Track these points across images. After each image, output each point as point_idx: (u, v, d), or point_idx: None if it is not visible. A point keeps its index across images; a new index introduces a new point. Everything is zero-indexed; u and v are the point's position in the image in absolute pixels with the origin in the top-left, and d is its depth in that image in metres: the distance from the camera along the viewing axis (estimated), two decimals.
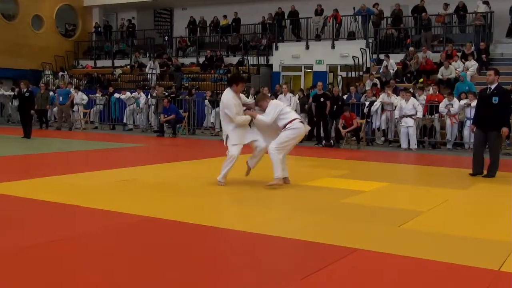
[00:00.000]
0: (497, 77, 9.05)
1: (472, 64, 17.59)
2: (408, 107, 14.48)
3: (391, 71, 18.65)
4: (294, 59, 22.14)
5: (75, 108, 20.26)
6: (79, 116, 20.33)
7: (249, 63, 22.68)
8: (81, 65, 27.65)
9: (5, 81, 22.79)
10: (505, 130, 8.91)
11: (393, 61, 19.15)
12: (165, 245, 4.51)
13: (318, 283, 3.69)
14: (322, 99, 15.22)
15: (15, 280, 3.57)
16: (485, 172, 9.05)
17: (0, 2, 25.29)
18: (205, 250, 4.41)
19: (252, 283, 3.65)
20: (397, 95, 15.36)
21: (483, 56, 18.06)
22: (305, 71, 22.67)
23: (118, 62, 26.50)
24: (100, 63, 27.29)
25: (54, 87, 22.24)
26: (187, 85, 21.83)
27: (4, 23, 25.22)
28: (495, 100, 8.80)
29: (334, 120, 15.32)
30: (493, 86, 8.94)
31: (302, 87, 20.83)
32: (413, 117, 14.36)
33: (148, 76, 23.51)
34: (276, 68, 22.64)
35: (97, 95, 20.81)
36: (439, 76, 17.44)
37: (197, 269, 3.89)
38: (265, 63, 23.12)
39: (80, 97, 20.20)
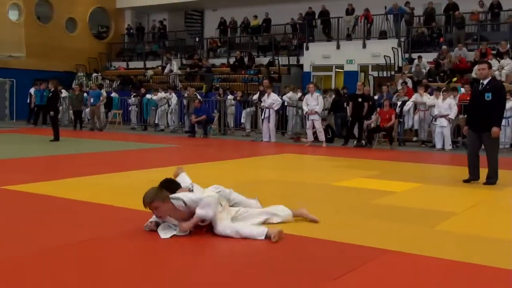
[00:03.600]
0: (491, 71, 8.15)
1: (508, 63, 17.22)
2: (444, 107, 14.19)
3: (423, 70, 18.42)
4: (325, 59, 22.04)
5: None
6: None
7: (280, 63, 22.66)
8: (114, 67, 28.02)
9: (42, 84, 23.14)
10: (495, 130, 7.84)
11: (426, 60, 18.91)
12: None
13: (351, 284, 3.66)
14: (360, 99, 15.04)
15: (42, 279, 3.62)
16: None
17: (35, 5, 25.83)
18: (230, 252, 4.42)
19: (284, 283, 3.64)
20: (430, 94, 15.13)
21: None
22: (336, 71, 22.55)
23: (149, 64, 26.78)
24: (132, 64, 27.62)
25: (87, 89, 22.59)
26: (218, 85, 21.92)
27: (39, 26, 25.75)
28: (488, 96, 7.89)
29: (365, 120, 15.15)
30: (485, 82, 8.01)
31: (332, 87, 20.71)
32: (447, 117, 14.09)
33: (171, 78, 23.65)
34: (306, 68, 22.57)
35: (132, 97, 21.03)
36: (473, 75, 17.13)
37: (219, 271, 3.91)
38: (295, 63, 23.07)
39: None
